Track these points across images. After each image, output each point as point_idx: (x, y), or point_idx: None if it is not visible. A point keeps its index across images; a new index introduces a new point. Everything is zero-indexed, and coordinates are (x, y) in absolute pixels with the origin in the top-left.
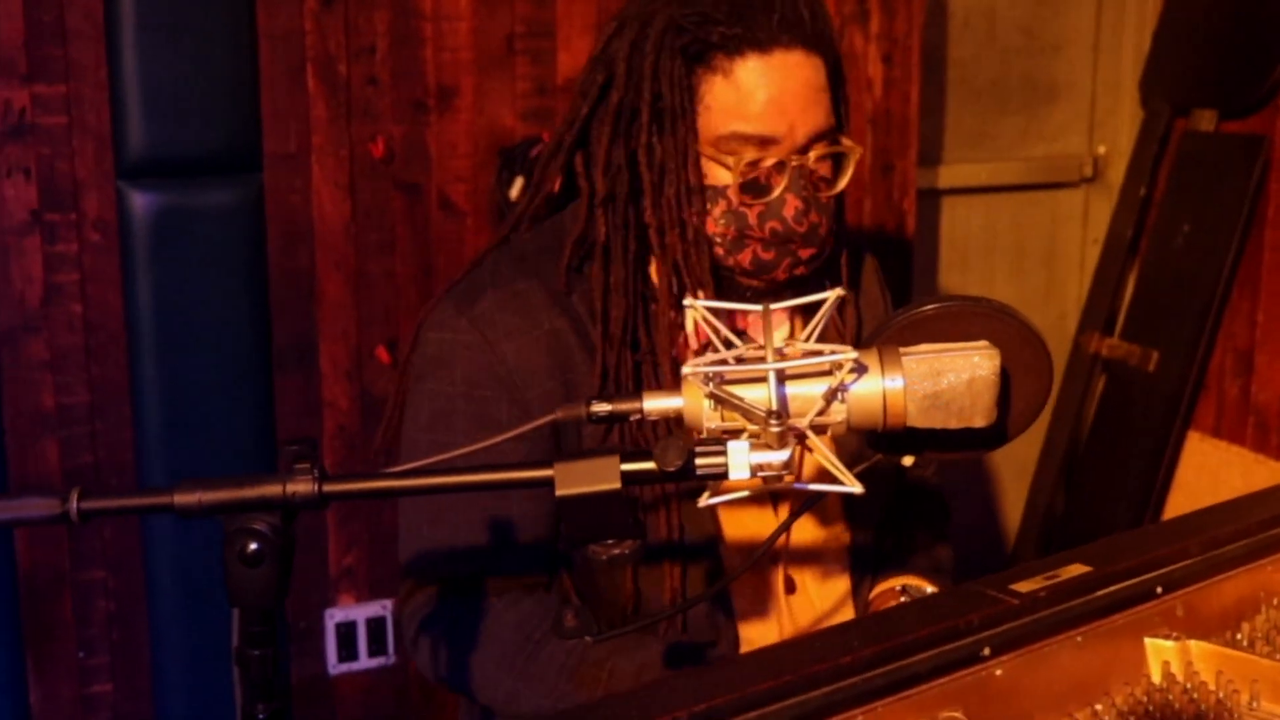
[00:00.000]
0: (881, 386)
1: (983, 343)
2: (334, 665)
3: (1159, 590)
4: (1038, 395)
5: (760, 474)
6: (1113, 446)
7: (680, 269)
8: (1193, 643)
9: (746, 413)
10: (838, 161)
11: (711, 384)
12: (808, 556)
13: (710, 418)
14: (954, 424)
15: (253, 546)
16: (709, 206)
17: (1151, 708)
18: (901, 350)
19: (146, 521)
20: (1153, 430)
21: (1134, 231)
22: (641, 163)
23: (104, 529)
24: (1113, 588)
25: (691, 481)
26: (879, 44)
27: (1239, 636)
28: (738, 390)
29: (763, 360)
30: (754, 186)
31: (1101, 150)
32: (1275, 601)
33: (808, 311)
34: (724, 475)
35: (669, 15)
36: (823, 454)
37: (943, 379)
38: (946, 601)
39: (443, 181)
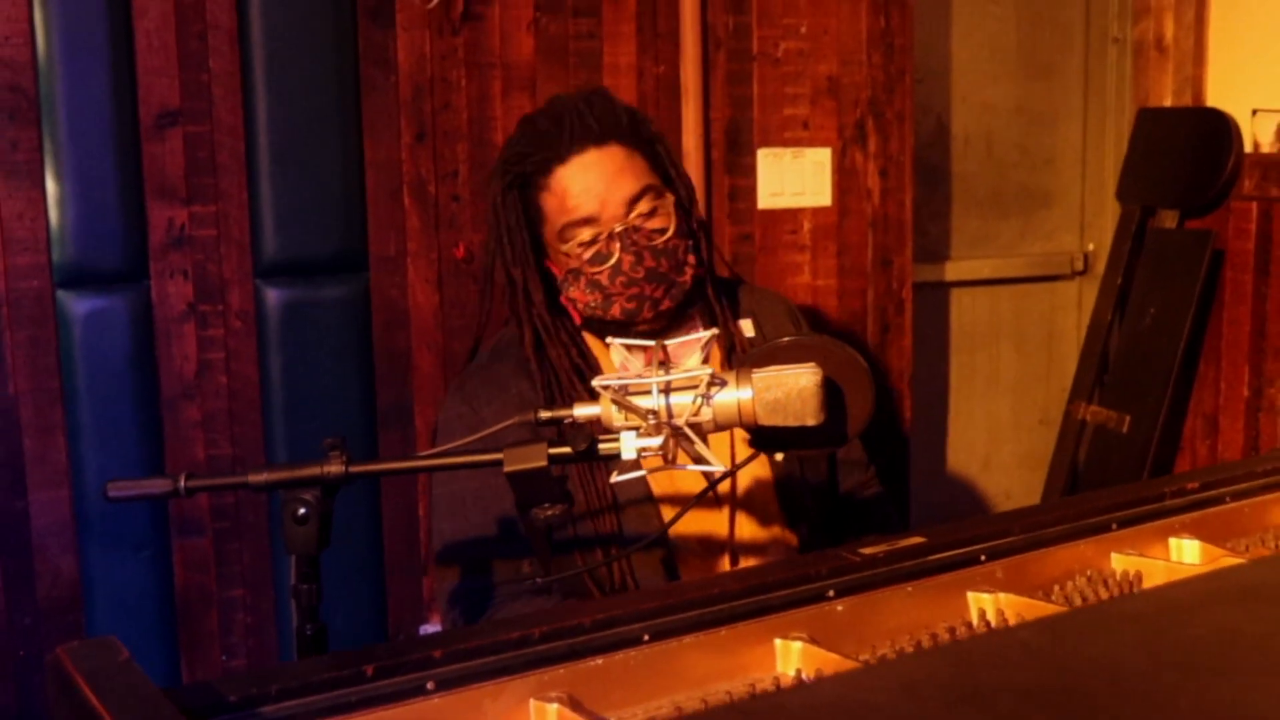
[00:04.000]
0: (736, 396)
1: (810, 364)
2: None
3: (983, 558)
4: (863, 406)
5: (643, 454)
6: None
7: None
8: (1003, 595)
9: (637, 413)
10: (663, 224)
11: (615, 395)
12: (755, 550)
13: (616, 419)
14: (792, 423)
15: (301, 511)
16: (577, 283)
17: (963, 638)
18: (753, 369)
19: (277, 551)
20: (1127, 482)
21: (1112, 314)
22: (514, 277)
23: (244, 555)
24: (943, 554)
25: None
26: (876, 161)
27: (1051, 597)
28: (638, 400)
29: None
30: (598, 257)
31: (1090, 247)
32: (1088, 573)
33: (720, 341)
34: (617, 455)
35: (500, 167)
36: (694, 441)
37: (779, 389)
38: (806, 559)
39: None
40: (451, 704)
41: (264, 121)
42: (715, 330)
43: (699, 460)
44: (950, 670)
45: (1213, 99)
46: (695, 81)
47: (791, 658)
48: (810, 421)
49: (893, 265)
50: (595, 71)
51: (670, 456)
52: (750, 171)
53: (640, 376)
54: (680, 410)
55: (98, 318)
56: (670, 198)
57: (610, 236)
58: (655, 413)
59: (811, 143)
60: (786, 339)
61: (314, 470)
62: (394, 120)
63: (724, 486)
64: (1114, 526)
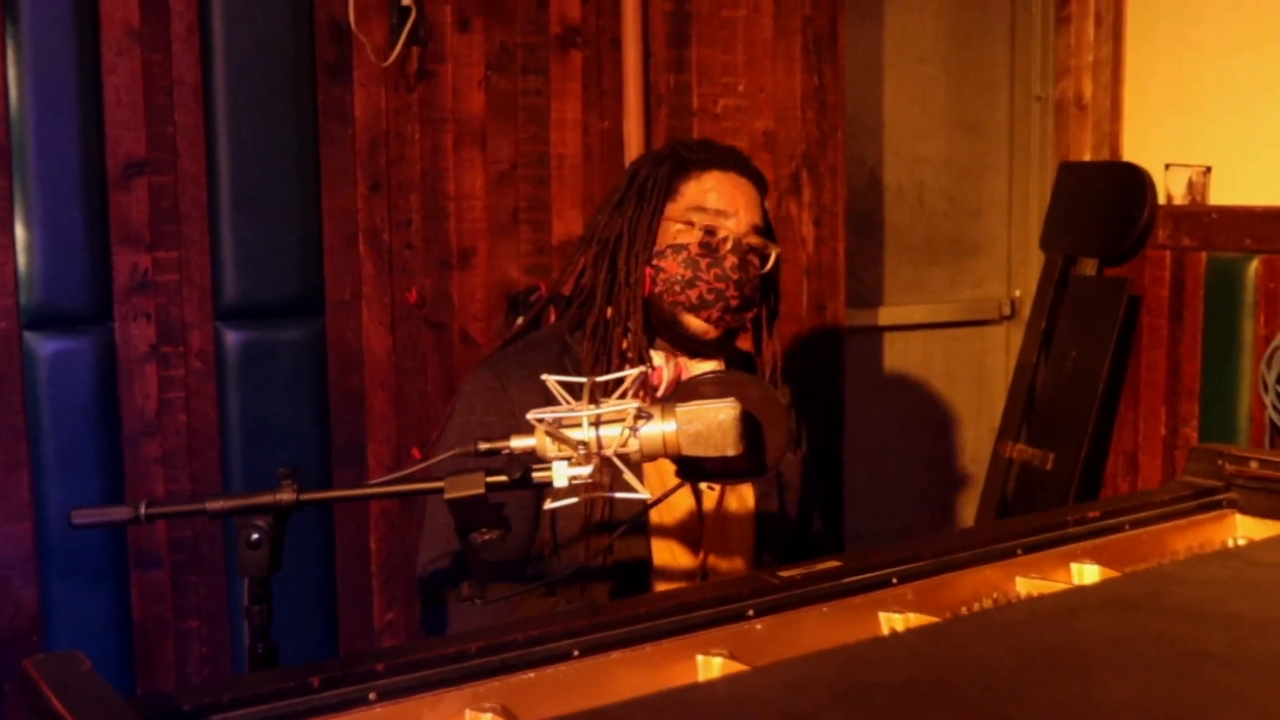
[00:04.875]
0: (661, 428)
1: (729, 399)
2: None
3: (894, 580)
4: (780, 438)
5: (574, 482)
6: None
7: (623, 309)
8: (913, 615)
9: (569, 444)
10: (765, 258)
11: (548, 427)
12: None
13: (550, 449)
14: (713, 453)
15: (254, 536)
16: (676, 255)
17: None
18: (677, 404)
19: (233, 583)
20: None
21: (1037, 357)
22: (623, 229)
23: (200, 588)
24: (857, 577)
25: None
26: (810, 210)
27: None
28: (571, 432)
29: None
30: (708, 248)
31: (1017, 293)
32: (994, 595)
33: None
34: (550, 483)
35: (662, 151)
36: (622, 469)
37: (700, 422)
38: (730, 582)
39: (463, 321)
40: (392, 713)
41: (226, 172)
42: (642, 367)
43: (627, 489)
44: (835, 670)
45: (1129, 154)
46: (638, 136)
47: (712, 673)
48: (730, 452)
49: (826, 310)
50: (543, 126)
51: (602, 484)
52: None
53: (572, 410)
54: (609, 441)
55: (63, 358)
56: (777, 251)
57: (725, 237)
58: (586, 443)
59: None
60: (709, 375)
61: (267, 498)
62: (350, 171)
63: (710, 503)
64: (1019, 552)
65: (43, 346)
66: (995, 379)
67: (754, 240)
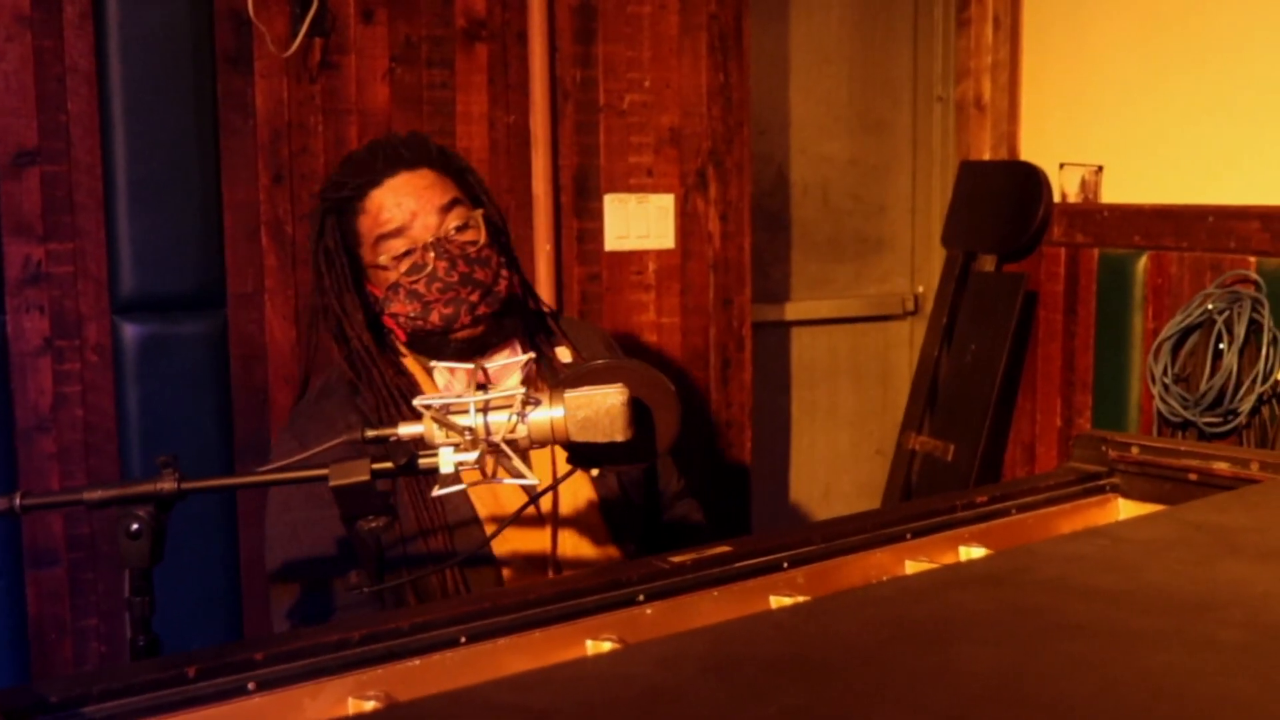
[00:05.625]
0: (549, 414)
1: (617, 385)
2: None
3: (785, 565)
4: (670, 424)
5: (460, 468)
6: None
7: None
8: (803, 598)
9: (456, 430)
10: (477, 228)
11: (435, 414)
12: (582, 567)
13: (438, 436)
14: (602, 439)
15: (134, 526)
16: (396, 295)
17: None
18: (565, 389)
19: None
20: None
21: (939, 350)
22: (333, 307)
23: (99, 585)
24: (747, 561)
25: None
26: (716, 206)
27: None
28: (458, 419)
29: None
30: (415, 268)
31: (920, 289)
32: (884, 578)
33: (539, 364)
34: (435, 469)
35: (320, 194)
36: (511, 456)
37: (589, 408)
38: (620, 566)
39: None
40: (272, 703)
41: (122, 162)
42: (533, 354)
43: (516, 475)
44: (705, 646)
45: (1026, 153)
46: (544, 131)
47: None
48: (619, 438)
49: (733, 304)
50: (449, 119)
51: (489, 471)
52: (598, 215)
53: (459, 396)
54: (497, 428)
55: None
56: (480, 213)
57: (425, 247)
58: (473, 430)
59: (655, 189)
60: (599, 362)
61: (147, 487)
62: (252, 163)
63: (547, 506)
64: (909, 536)
65: None
66: (899, 373)
67: (453, 223)
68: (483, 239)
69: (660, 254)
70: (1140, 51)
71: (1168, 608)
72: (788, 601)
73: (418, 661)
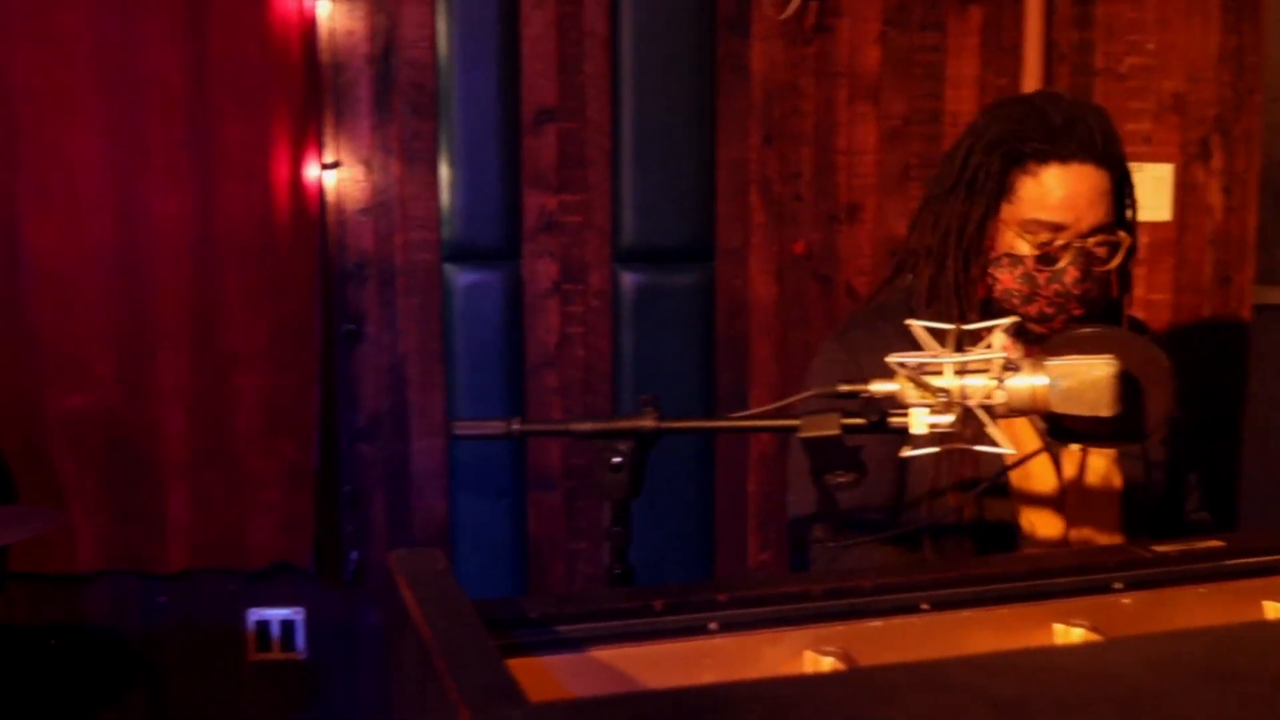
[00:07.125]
0: (1030, 382)
1: (1108, 355)
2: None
3: None
4: (1162, 403)
5: (934, 430)
6: None
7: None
8: None
9: (931, 391)
10: (1114, 248)
11: (910, 372)
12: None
13: (912, 395)
14: (1085, 412)
15: (615, 459)
16: (1012, 269)
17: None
18: (1049, 357)
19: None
20: None
21: None
22: (950, 226)
23: (589, 511)
24: (1242, 560)
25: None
26: (1219, 178)
27: None
28: (934, 380)
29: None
30: (1046, 259)
31: None
32: None
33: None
34: (907, 429)
35: (998, 130)
36: (986, 423)
37: (1074, 378)
38: (1096, 550)
39: (849, 275)
40: (731, 645)
41: (629, 120)
42: (1015, 318)
43: (988, 442)
44: (1204, 650)
45: None
46: None
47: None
48: (1104, 413)
49: (1232, 283)
50: (938, 83)
51: (963, 436)
52: None
53: (937, 356)
54: (974, 391)
55: (476, 290)
56: (1125, 237)
57: (1064, 246)
58: (949, 392)
59: (1153, 158)
60: (1087, 329)
61: (629, 423)
62: (745, 123)
63: (1055, 484)
64: None
65: (459, 278)
66: None
67: (1099, 237)
68: (1116, 264)
69: (1154, 226)
70: None
71: None
72: None
73: (879, 623)
